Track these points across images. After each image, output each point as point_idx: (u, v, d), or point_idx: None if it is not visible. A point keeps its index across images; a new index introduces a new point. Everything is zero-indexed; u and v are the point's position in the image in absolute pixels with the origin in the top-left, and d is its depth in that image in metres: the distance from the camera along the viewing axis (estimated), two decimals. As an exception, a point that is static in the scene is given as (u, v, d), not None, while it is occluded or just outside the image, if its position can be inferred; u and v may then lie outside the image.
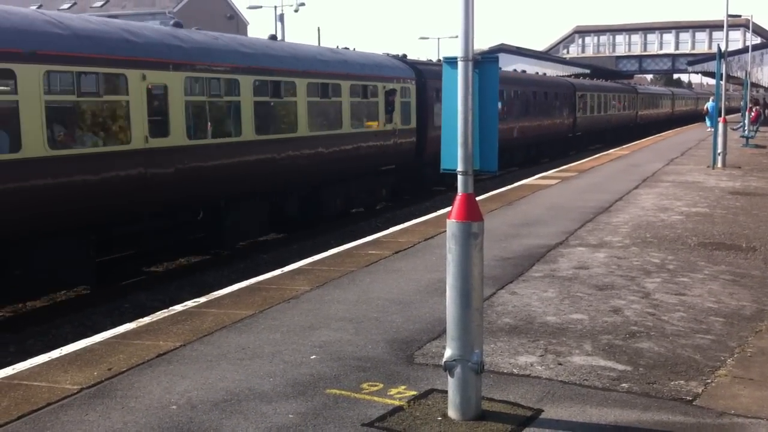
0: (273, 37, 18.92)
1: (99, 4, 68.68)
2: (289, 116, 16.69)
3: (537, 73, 42.83)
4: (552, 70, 58.99)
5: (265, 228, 16.66)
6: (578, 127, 41.30)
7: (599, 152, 35.23)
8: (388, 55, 23.72)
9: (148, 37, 13.12)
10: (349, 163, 18.95)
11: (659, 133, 53.01)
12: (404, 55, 24.37)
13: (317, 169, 17.49)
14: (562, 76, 51.75)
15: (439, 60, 32.11)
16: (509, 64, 55.34)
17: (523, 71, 41.87)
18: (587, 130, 43.13)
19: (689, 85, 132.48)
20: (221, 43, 14.97)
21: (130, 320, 8.55)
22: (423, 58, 25.33)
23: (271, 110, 16.27)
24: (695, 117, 72.86)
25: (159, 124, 12.95)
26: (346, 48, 21.66)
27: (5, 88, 10.62)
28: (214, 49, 14.57)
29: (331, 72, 18.35)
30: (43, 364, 6.75)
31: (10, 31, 10.67)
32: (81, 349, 7.14)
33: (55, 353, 7.06)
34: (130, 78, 12.29)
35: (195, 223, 14.84)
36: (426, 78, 23.31)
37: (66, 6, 67.04)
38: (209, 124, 14.30)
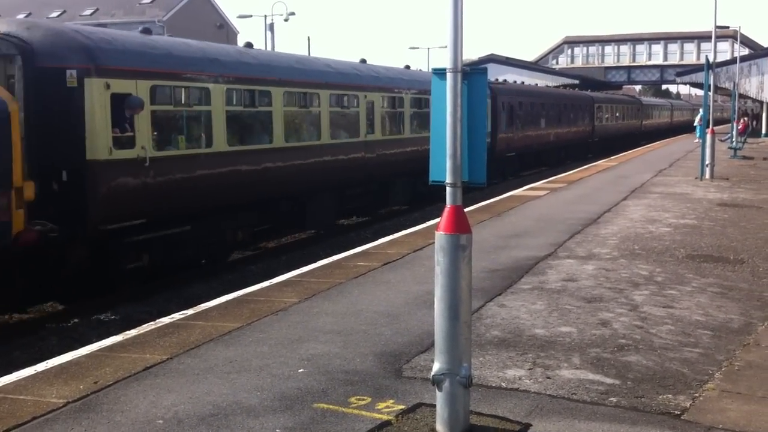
0: (363, 61, 22.58)
1: (88, 12, 68.56)
2: (363, 123, 19.95)
3: (523, 82, 44.73)
4: (541, 81, 59.63)
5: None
6: (596, 133, 48.44)
7: (614, 154, 40.86)
8: (504, 81, 32.67)
9: (282, 61, 17.65)
10: (417, 163, 21.04)
11: (661, 139, 60.52)
12: (522, 82, 31.20)
13: (389, 169, 21.52)
14: (556, 86, 53.23)
15: (505, 80, 41.01)
16: (498, 75, 55.44)
17: (547, 86, 51.04)
18: (603, 136, 49.98)
19: (678, 95, 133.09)
20: (309, 67, 18.30)
21: (117, 332, 8.51)
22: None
23: (343, 119, 19.21)
24: (691, 126, 74.63)
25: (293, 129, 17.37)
26: (407, 66, 25.83)
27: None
28: (309, 70, 18.08)
29: (418, 87, 23.17)
30: (28, 377, 6.70)
31: (208, 62, 14.66)
32: (67, 362, 7.09)
33: (40, 366, 7.01)
34: (274, 94, 16.27)
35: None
36: (497, 94, 30.41)
37: (55, 14, 66.90)
38: (301, 130, 17.79)
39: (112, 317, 11.87)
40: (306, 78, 17.83)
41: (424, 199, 23.36)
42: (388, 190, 22.48)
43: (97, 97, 12.00)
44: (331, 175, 18.55)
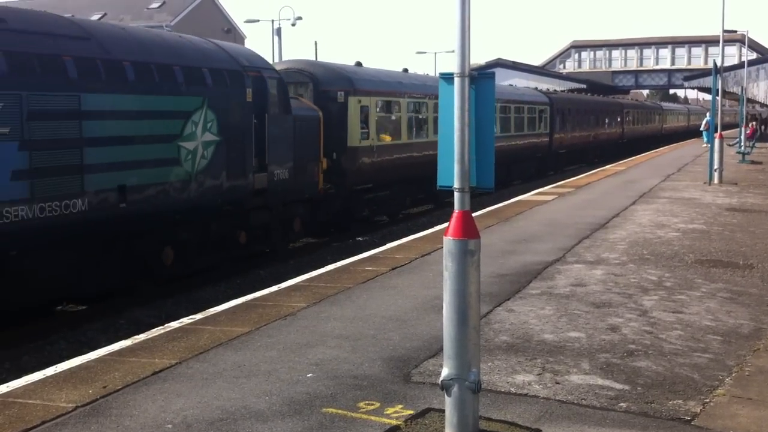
0: (405, 70, 26.86)
1: (96, 17, 68.83)
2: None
3: (511, 84, 46.77)
4: (548, 85, 60.12)
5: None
6: (625, 135, 54.32)
7: (640, 153, 46.40)
8: (535, 89, 41.11)
9: (412, 79, 24.54)
10: (517, 153, 32.75)
11: (680, 140, 65.61)
12: (535, 88, 39.89)
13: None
14: (561, 91, 54.27)
15: (556, 90, 49.61)
16: (506, 79, 55.62)
17: (582, 91, 59.15)
18: (630, 138, 55.86)
19: (685, 100, 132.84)
20: (418, 82, 24.45)
21: (126, 337, 8.52)
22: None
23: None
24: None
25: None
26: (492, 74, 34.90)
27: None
28: (418, 84, 24.07)
29: (509, 99, 32.28)
30: (38, 381, 6.71)
31: (398, 84, 22.72)
32: (76, 366, 7.10)
33: (50, 370, 7.02)
34: (428, 104, 23.62)
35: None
36: (553, 102, 38.23)
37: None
38: (421, 128, 23.85)
39: (121, 321, 11.87)
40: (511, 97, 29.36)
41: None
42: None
43: (353, 108, 19.53)
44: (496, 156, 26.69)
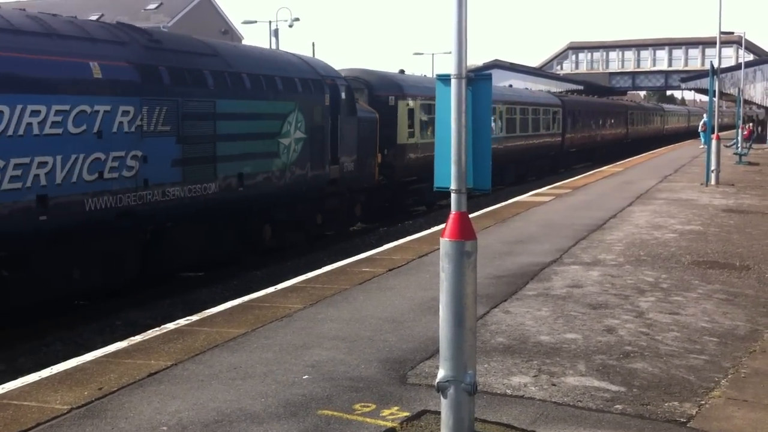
0: (510, 86, 35.17)
1: (94, 17, 68.75)
2: (501, 124, 31.74)
3: (527, 88, 49.84)
4: (545, 87, 60.26)
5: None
6: (629, 135, 57.51)
7: (644, 152, 48.84)
8: (548, 92, 44.99)
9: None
10: (534, 151, 36.45)
11: (680, 140, 67.28)
12: (548, 90, 43.05)
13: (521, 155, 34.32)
14: (558, 92, 54.57)
15: (567, 92, 55.08)
16: (503, 80, 55.64)
17: (580, 93, 62.33)
18: (634, 138, 59.03)
19: (682, 101, 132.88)
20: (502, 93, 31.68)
21: (122, 338, 8.50)
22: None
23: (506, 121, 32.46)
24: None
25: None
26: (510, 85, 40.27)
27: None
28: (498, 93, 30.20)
29: (527, 101, 36.11)
30: (33, 383, 6.69)
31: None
32: (72, 367, 7.08)
33: (45, 372, 7.01)
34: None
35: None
36: (565, 104, 41.60)
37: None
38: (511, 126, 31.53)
39: (117, 323, 11.86)
40: (504, 99, 32.48)
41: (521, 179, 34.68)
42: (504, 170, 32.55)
43: (402, 110, 22.61)
44: (515, 154, 33.36)
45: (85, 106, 11.35)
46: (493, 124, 28.68)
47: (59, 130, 10.95)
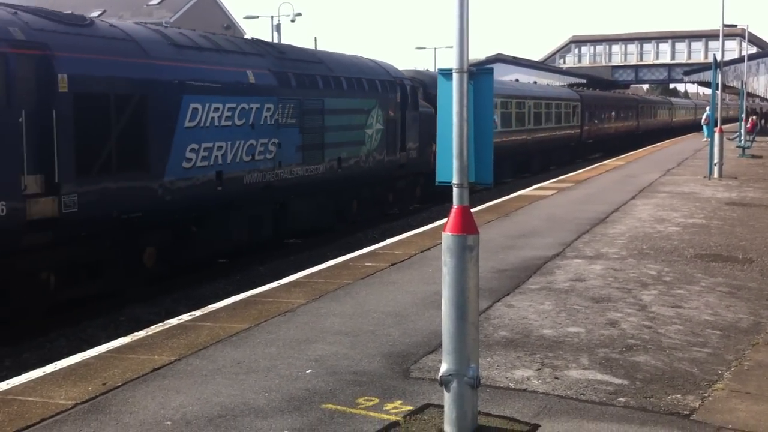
0: (517, 80, 39.01)
1: (96, 13, 68.76)
2: (529, 117, 35.42)
3: (535, 82, 49.41)
4: (548, 80, 60.04)
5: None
6: (640, 128, 60.34)
7: (654, 143, 52.39)
8: (567, 86, 51.52)
9: (504, 86, 33.42)
10: (557, 142, 40.15)
11: (688, 132, 70.13)
12: (568, 85, 51.52)
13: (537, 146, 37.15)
14: (561, 85, 55.14)
15: (582, 87, 59.16)
16: (505, 74, 55.60)
17: (582, 86, 64.16)
18: (644, 130, 61.75)
19: (685, 94, 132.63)
20: (527, 88, 36.49)
21: (126, 333, 8.53)
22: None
23: (517, 114, 34.17)
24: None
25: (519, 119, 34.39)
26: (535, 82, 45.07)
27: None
28: (529, 90, 36.45)
29: (551, 96, 39.69)
30: (37, 378, 6.71)
31: (513, 89, 33.94)
32: (76, 363, 7.11)
33: (49, 368, 7.03)
34: (526, 103, 33.68)
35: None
36: (583, 98, 44.73)
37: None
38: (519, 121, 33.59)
39: (121, 318, 11.87)
40: (532, 95, 36.87)
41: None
42: (531, 159, 36.70)
43: None
44: (541, 145, 37.19)
45: (245, 104, 14.80)
46: (516, 119, 34.96)
47: (229, 123, 14.40)
